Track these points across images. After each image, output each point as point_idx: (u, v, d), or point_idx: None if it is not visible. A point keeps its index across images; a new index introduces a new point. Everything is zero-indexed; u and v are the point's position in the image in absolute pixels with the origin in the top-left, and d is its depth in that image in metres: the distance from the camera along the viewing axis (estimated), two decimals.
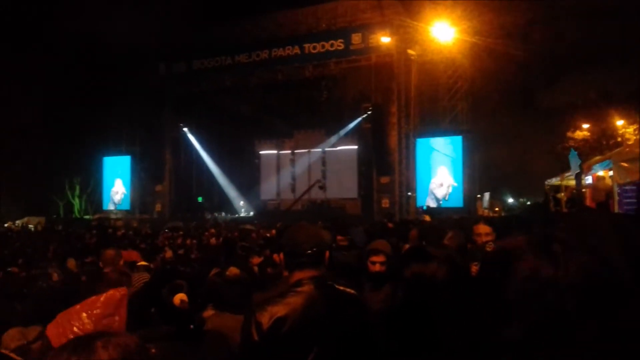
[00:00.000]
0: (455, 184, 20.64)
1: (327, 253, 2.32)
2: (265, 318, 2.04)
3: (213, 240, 11.33)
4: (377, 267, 3.52)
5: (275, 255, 3.32)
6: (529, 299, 1.05)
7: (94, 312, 1.77)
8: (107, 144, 27.90)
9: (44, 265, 6.28)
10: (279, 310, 2.07)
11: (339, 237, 5.69)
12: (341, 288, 2.32)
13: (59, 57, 28.34)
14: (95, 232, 15.13)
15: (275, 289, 2.77)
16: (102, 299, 1.81)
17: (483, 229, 3.99)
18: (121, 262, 5.17)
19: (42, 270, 5.55)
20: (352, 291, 2.37)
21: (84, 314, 1.76)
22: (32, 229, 23.26)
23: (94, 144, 28.43)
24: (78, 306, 1.80)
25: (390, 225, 9.72)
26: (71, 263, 7.02)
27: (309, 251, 2.24)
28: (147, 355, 1.26)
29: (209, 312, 3.29)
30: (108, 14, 24.34)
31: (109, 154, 27.92)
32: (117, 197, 27.52)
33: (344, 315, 2.20)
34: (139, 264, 5.39)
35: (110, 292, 1.86)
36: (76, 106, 28.54)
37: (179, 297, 2.14)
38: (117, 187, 27.50)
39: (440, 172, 20.94)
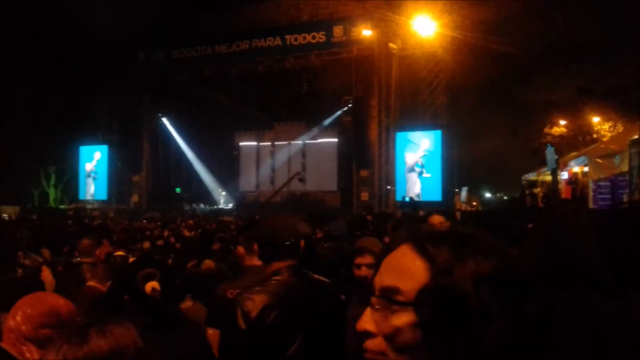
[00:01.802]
0: (429, 175, 20.76)
1: (303, 243, 2.34)
2: (252, 307, 2.07)
3: (186, 232, 11.25)
4: (364, 271, 2.81)
5: (240, 248, 3.29)
6: None
7: (27, 312, 1.78)
8: (84, 132, 27.42)
9: (17, 255, 6.15)
10: (264, 299, 2.10)
11: None
12: (315, 277, 2.36)
13: (34, 43, 27.72)
14: (71, 222, 14.93)
15: (245, 279, 2.78)
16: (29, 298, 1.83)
17: (436, 219, 4.16)
18: (97, 252, 5.10)
19: (15, 260, 5.44)
20: (326, 280, 2.41)
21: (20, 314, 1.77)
22: (7, 218, 22.82)
23: (70, 132, 27.94)
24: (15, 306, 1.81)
25: (369, 217, 9.78)
26: (45, 253, 6.90)
27: (287, 242, 2.27)
28: (140, 348, 1.25)
29: (187, 304, 3.26)
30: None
31: (85, 143, 27.47)
32: (90, 179, 27.13)
33: (321, 302, 2.24)
34: (116, 254, 5.32)
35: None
36: (52, 93, 27.97)
37: (151, 285, 2.12)
38: (89, 169, 27.14)
39: (407, 160, 21.10)
